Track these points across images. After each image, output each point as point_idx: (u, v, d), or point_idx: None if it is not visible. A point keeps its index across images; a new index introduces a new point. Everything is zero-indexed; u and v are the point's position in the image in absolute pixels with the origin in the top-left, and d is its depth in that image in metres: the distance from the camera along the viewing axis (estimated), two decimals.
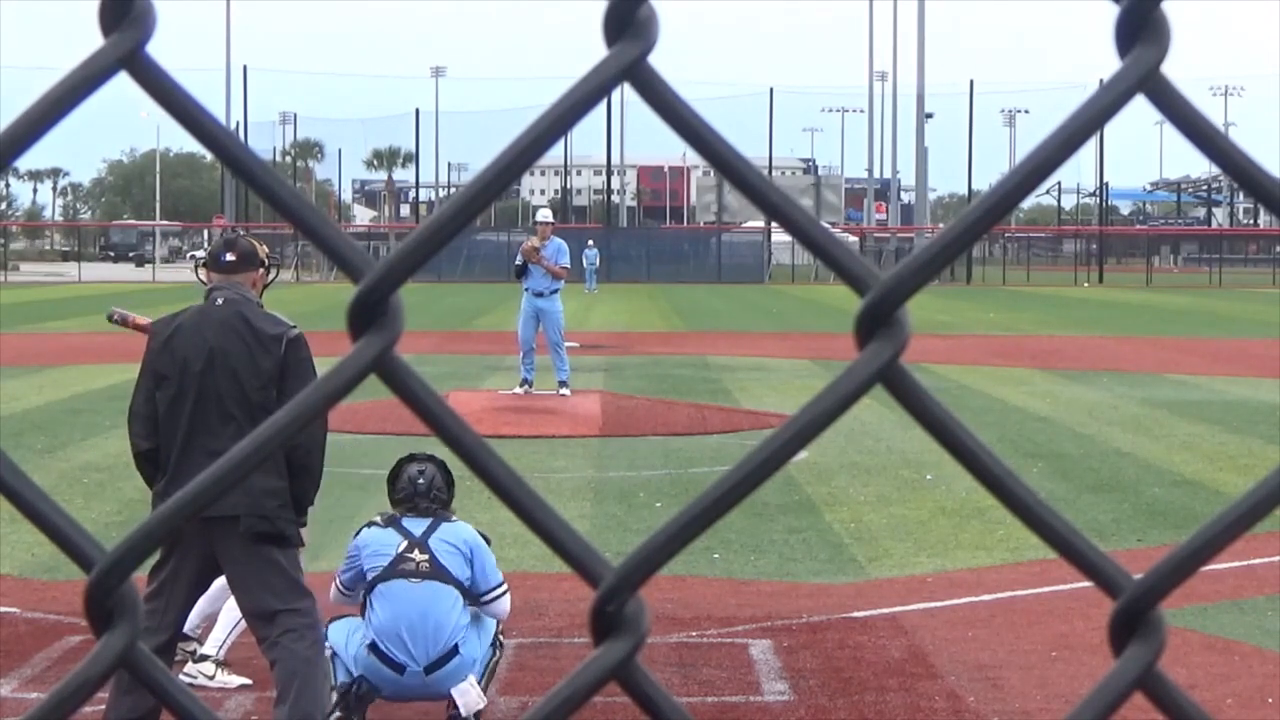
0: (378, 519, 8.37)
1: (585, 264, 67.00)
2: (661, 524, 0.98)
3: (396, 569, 8.10)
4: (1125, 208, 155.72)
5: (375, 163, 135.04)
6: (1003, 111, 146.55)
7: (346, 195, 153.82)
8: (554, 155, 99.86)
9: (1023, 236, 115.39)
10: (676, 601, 10.91)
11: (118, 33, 0.94)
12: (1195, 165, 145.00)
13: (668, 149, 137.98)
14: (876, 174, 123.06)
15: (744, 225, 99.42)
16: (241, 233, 8.51)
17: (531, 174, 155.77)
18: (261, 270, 7.76)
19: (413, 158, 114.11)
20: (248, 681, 9.08)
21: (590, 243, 75.01)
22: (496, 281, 70.95)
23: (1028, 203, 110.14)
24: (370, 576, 8.14)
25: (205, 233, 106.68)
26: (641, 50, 0.95)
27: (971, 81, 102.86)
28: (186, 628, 8.45)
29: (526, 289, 23.89)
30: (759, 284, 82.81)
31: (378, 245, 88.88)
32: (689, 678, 9.28)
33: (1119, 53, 0.96)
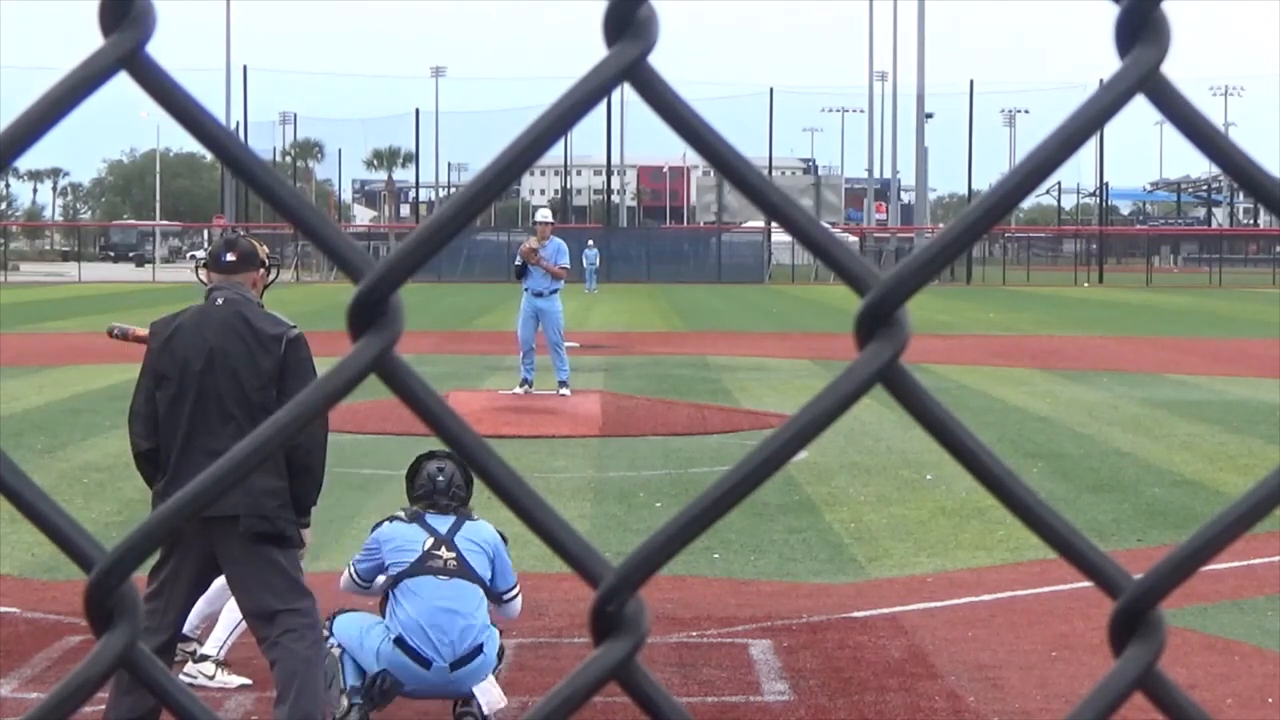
0: (400, 514, 8.37)
1: (585, 264, 67.00)
2: (661, 524, 0.98)
3: (424, 565, 8.11)
4: (1125, 208, 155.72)
5: (375, 163, 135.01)
6: (1003, 111, 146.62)
7: (346, 195, 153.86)
8: (554, 155, 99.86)
9: (1023, 236, 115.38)
10: (676, 601, 10.91)
11: (118, 33, 0.94)
12: (1195, 165, 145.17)
13: (668, 149, 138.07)
14: (876, 174, 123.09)
15: (744, 225, 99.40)
16: (242, 233, 8.51)
17: (531, 174, 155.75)
18: (262, 270, 7.76)
19: (413, 158, 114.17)
20: (248, 681, 9.08)
21: (590, 243, 75.00)
22: (496, 281, 70.96)
23: (1028, 203, 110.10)
24: (394, 571, 8.15)
25: (205, 233, 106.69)
26: (641, 50, 0.95)
27: (971, 81, 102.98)
28: (186, 628, 8.45)
29: (526, 289, 23.87)
30: (759, 284, 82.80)
31: (378, 245, 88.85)
32: (689, 678, 9.28)
33: (1119, 53, 0.96)
